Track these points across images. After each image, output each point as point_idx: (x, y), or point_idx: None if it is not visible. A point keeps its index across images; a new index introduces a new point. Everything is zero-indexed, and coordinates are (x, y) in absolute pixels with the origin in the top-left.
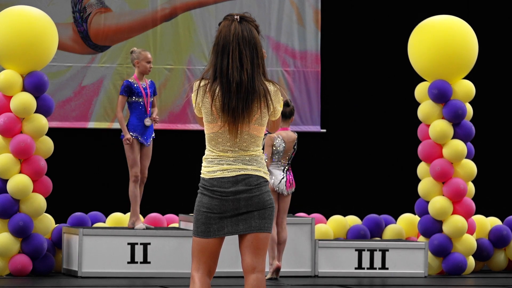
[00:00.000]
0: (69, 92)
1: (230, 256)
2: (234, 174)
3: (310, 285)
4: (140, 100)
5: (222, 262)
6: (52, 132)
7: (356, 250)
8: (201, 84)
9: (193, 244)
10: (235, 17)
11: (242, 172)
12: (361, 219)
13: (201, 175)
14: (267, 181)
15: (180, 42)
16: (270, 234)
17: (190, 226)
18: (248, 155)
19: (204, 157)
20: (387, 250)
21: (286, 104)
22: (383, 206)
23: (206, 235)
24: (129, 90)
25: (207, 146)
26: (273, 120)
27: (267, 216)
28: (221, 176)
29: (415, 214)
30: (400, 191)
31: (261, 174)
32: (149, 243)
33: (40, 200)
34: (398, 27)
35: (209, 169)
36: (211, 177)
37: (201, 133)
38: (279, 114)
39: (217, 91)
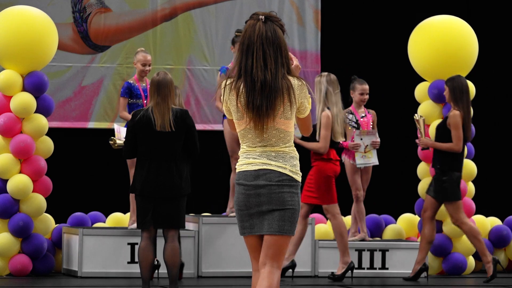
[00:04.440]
0: (69, 92)
1: (234, 256)
2: (256, 168)
3: (310, 285)
4: (139, 101)
5: (229, 262)
6: (52, 132)
7: (356, 250)
8: (226, 83)
9: None
10: (260, 16)
11: (264, 167)
12: None
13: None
14: (293, 180)
15: (180, 42)
16: (290, 237)
17: (191, 226)
18: (275, 151)
19: (239, 153)
20: (387, 250)
21: None
22: (383, 206)
23: (241, 232)
24: (129, 92)
25: (241, 143)
26: (301, 118)
27: (287, 218)
28: (245, 169)
29: (415, 214)
30: (400, 191)
31: (286, 171)
32: None
33: (40, 200)
34: (398, 27)
35: (239, 164)
36: (239, 170)
37: (201, 133)
38: (307, 112)
39: (241, 88)
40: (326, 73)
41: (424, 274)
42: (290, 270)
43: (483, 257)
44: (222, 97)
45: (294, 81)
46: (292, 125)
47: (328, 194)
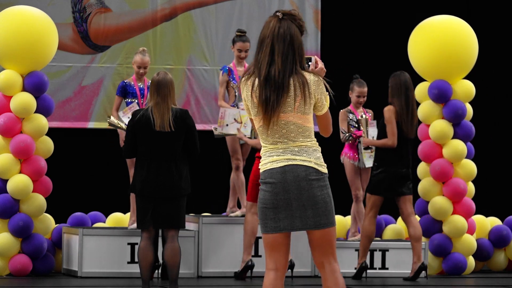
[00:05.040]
0: (69, 92)
1: (234, 256)
2: (282, 164)
3: (310, 285)
4: (135, 100)
5: (229, 262)
6: (52, 132)
7: (356, 250)
8: (242, 80)
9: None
10: (278, 13)
11: (290, 163)
12: None
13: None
14: (320, 172)
15: (180, 42)
16: (333, 227)
17: (191, 226)
18: (297, 146)
19: (260, 152)
20: (387, 250)
21: None
22: (383, 206)
23: (264, 229)
24: (123, 91)
25: (261, 141)
26: (319, 116)
27: (322, 213)
28: (271, 167)
29: (415, 214)
30: None
31: (311, 165)
32: None
33: (40, 200)
34: (398, 27)
35: (262, 163)
36: (264, 169)
37: (201, 133)
38: (324, 109)
39: (255, 83)
40: None
41: (423, 273)
42: (289, 270)
43: (360, 258)
44: (242, 94)
45: (310, 77)
46: (311, 120)
47: (252, 191)
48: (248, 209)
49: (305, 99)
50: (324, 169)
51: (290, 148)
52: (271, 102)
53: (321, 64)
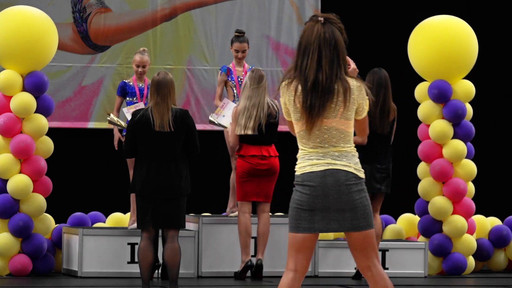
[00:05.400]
0: (69, 92)
1: (234, 256)
2: (322, 168)
3: (310, 285)
4: (134, 100)
5: (229, 262)
6: (52, 132)
7: None
8: (283, 85)
9: (288, 238)
10: (320, 18)
11: (331, 167)
12: None
13: (295, 172)
14: (358, 177)
15: (180, 42)
16: (372, 229)
17: (191, 226)
18: (338, 150)
19: (297, 155)
20: (387, 250)
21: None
22: (383, 206)
23: (296, 230)
24: (123, 91)
25: (299, 145)
26: (358, 120)
27: (360, 216)
28: (310, 170)
29: (415, 214)
30: (400, 191)
31: (351, 170)
32: None
33: (40, 200)
34: (398, 27)
35: (300, 165)
36: (302, 172)
37: (201, 133)
38: (364, 113)
39: (299, 88)
40: (255, 69)
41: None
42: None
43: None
44: (281, 101)
45: (352, 82)
46: (352, 125)
47: (238, 190)
48: (239, 209)
49: (348, 105)
50: (362, 175)
51: (330, 153)
52: (316, 107)
53: (353, 65)
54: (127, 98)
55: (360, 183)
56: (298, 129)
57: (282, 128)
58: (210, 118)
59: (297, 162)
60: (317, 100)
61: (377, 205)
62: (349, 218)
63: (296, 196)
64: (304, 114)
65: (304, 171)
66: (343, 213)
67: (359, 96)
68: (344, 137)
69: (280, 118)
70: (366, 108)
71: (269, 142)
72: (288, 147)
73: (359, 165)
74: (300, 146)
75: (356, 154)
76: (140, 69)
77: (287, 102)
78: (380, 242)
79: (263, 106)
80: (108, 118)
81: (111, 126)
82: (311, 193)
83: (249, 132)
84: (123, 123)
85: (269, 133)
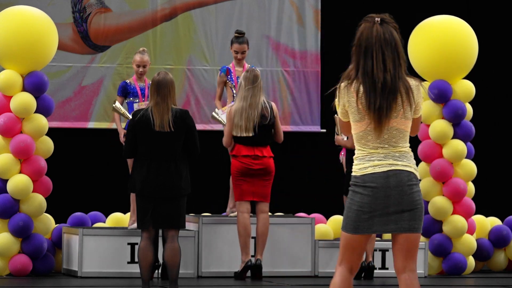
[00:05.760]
0: (69, 92)
1: (234, 256)
2: (385, 169)
3: (310, 285)
4: (136, 100)
5: (229, 262)
6: (52, 132)
7: None
8: (342, 86)
9: (341, 238)
10: (376, 19)
11: (393, 168)
12: None
13: (353, 173)
14: (417, 177)
15: (180, 42)
16: (420, 234)
17: (191, 226)
18: (398, 151)
19: (354, 156)
20: (387, 250)
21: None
22: None
23: (355, 231)
24: (124, 91)
25: (356, 146)
26: (414, 118)
27: (417, 217)
28: (372, 172)
29: None
30: None
31: (412, 170)
32: None
33: (40, 200)
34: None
35: (360, 166)
36: (363, 173)
37: (201, 133)
38: (420, 112)
39: (361, 90)
40: (250, 69)
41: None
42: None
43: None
44: (337, 100)
45: (412, 82)
46: (410, 125)
47: (234, 190)
48: (237, 209)
49: (410, 105)
50: (419, 175)
51: (391, 153)
52: (384, 109)
53: None
54: (129, 98)
55: (418, 184)
56: (357, 130)
57: (282, 128)
58: (213, 113)
59: (354, 163)
60: (384, 101)
61: None
62: (407, 219)
63: (356, 198)
64: (372, 116)
65: (366, 172)
66: (402, 214)
67: (417, 95)
68: (402, 136)
69: (280, 119)
70: (422, 106)
71: (263, 143)
72: (287, 148)
73: (416, 166)
74: (357, 147)
75: (412, 154)
76: (140, 69)
77: (347, 103)
78: (380, 242)
79: (258, 107)
80: (114, 105)
81: (111, 127)
82: (373, 195)
83: (250, 134)
84: (127, 113)
85: (263, 134)
